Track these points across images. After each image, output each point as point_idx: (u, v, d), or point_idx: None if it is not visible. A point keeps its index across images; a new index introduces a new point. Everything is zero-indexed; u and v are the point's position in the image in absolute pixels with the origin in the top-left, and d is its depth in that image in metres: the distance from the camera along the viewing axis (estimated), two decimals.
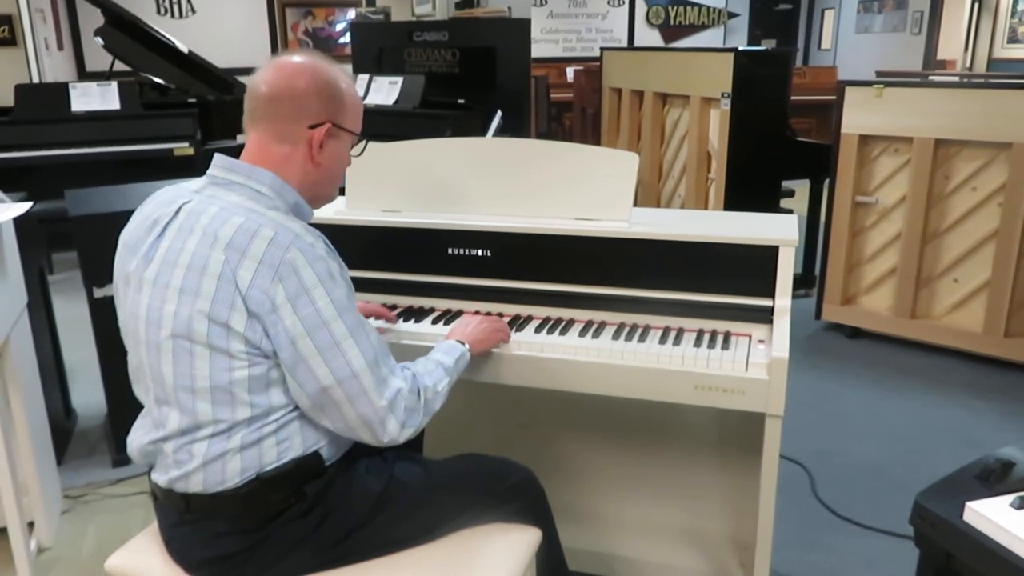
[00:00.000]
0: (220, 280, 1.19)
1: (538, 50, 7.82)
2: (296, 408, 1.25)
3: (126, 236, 1.33)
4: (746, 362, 1.54)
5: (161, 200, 1.32)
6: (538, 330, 1.69)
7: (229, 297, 1.18)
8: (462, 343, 1.51)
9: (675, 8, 10.48)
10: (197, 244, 1.21)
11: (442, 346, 1.48)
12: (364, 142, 1.45)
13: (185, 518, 1.28)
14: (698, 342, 1.62)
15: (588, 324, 1.71)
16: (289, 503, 1.25)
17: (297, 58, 1.33)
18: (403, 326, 1.74)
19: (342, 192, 1.64)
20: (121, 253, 1.33)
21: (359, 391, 1.22)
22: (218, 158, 1.32)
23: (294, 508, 1.26)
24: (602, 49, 5.41)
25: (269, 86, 1.30)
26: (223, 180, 1.30)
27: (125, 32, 5.54)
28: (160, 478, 1.29)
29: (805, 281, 4.10)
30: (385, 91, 4.84)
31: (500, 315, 1.77)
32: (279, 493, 1.24)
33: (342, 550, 1.30)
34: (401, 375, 1.31)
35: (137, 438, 1.34)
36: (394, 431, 1.27)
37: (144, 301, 1.25)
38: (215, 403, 1.21)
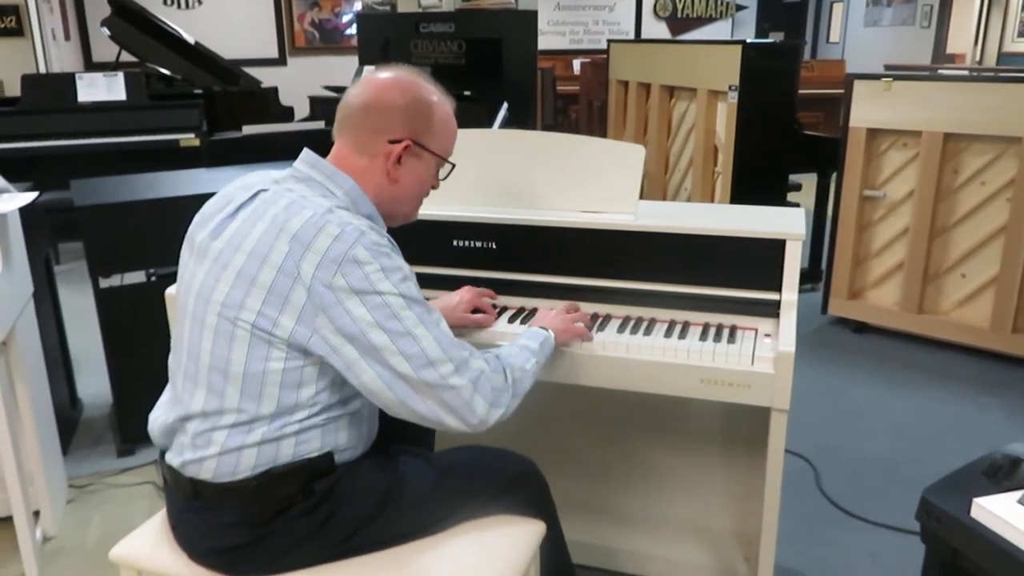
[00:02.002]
0: (279, 272, 1.19)
1: (545, 42, 7.78)
2: (321, 412, 1.25)
3: (203, 209, 1.36)
4: (752, 356, 1.53)
5: (243, 183, 1.34)
6: (512, 320, 1.69)
7: (285, 289, 1.18)
8: (544, 329, 1.51)
9: (683, 0, 10.42)
10: (263, 232, 1.22)
11: (525, 333, 1.50)
12: (452, 167, 1.44)
13: (192, 505, 1.28)
14: (704, 336, 1.61)
15: (594, 317, 1.71)
16: (296, 499, 1.25)
17: (393, 73, 1.35)
18: None
19: None
20: (194, 224, 1.35)
21: (438, 378, 1.21)
22: (306, 153, 1.35)
23: (300, 504, 1.25)
24: (609, 41, 5.39)
25: (361, 97, 1.33)
26: (304, 175, 1.32)
27: (132, 23, 5.54)
28: (174, 459, 1.29)
29: (812, 275, 4.08)
30: None
31: (504, 308, 1.77)
32: (287, 489, 1.24)
33: (348, 546, 1.30)
34: (482, 357, 1.30)
35: (159, 416, 1.35)
36: (482, 412, 1.26)
37: (200, 276, 1.27)
38: (244, 392, 1.21)
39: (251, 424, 1.22)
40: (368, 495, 1.31)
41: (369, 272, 1.18)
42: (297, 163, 1.34)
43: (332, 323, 1.18)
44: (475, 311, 1.69)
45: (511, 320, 1.71)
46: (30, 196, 2.06)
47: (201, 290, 1.26)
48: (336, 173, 1.31)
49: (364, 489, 1.31)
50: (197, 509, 1.28)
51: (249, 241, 1.23)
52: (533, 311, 1.75)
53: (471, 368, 1.25)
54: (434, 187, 1.44)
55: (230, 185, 1.36)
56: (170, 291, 1.79)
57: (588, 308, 1.74)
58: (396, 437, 1.44)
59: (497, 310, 1.74)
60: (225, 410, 1.23)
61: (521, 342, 1.45)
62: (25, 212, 2.14)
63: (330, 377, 1.24)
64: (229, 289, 1.22)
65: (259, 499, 1.24)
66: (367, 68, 4.96)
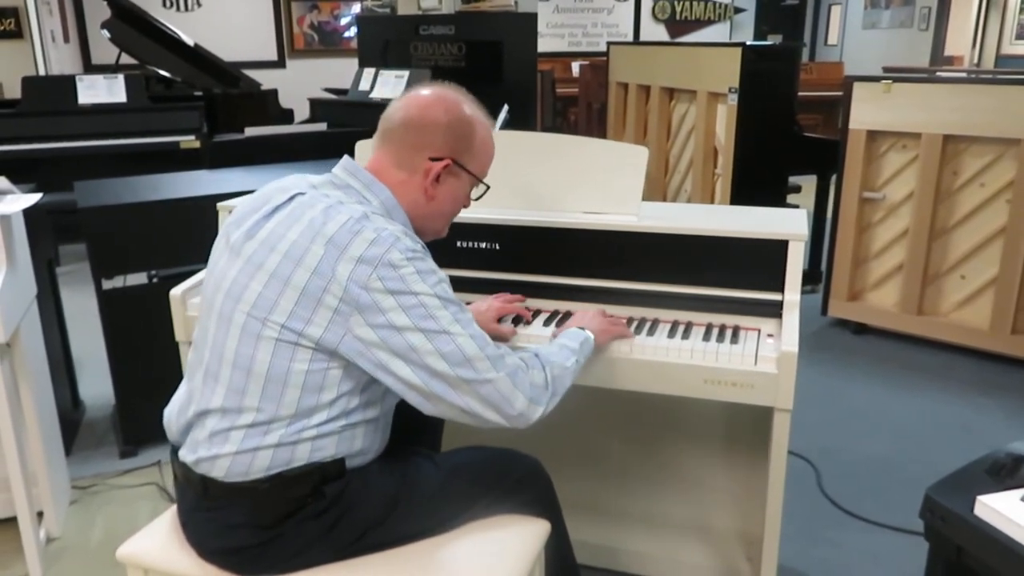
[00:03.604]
0: (313, 274, 1.20)
1: (544, 44, 7.79)
2: (340, 417, 1.25)
3: (239, 208, 1.37)
4: (755, 356, 1.54)
5: (281, 185, 1.35)
6: (547, 323, 1.69)
7: (318, 292, 1.19)
8: (583, 329, 1.52)
9: (681, 3, 10.44)
10: (299, 235, 1.23)
11: (564, 333, 1.51)
12: (486, 188, 1.46)
13: (202, 504, 1.28)
14: (707, 336, 1.62)
15: None
16: (306, 502, 1.25)
17: (438, 90, 1.36)
18: None
19: None
20: (229, 222, 1.36)
21: (474, 374, 1.22)
22: (346, 160, 1.37)
23: (310, 507, 1.25)
24: (609, 43, 5.40)
25: (404, 112, 1.34)
26: (342, 182, 1.33)
27: (131, 25, 5.55)
28: (187, 455, 1.29)
29: (811, 277, 4.09)
30: (391, 85, 4.83)
31: (539, 311, 1.76)
32: (298, 492, 1.24)
33: (357, 547, 1.30)
34: (518, 355, 1.31)
35: (175, 410, 1.35)
36: (522, 406, 1.26)
37: (231, 274, 1.28)
38: (265, 392, 1.22)
39: (269, 425, 1.23)
40: (377, 498, 1.31)
41: (405, 274, 1.20)
42: (336, 169, 1.36)
43: (367, 323, 1.19)
44: (503, 319, 1.68)
45: (515, 321, 1.72)
46: (34, 197, 2.06)
47: (232, 288, 1.27)
48: (374, 182, 1.33)
49: (374, 493, 1.31)
50: (207, 508, 1.28)
51: (284, 243, 1.24)
52: (536, 312, 1.75)
53: (507, 364, 1.26)
54: (465, 206, 1.46)
55: (267, 186, 1.37)
56: (175, 292, 1.79)
57: (590, 309, 1.74)
58: (403, 438, 1.44)
59: (531, 312, 1.74)
60: (244, 408, 1.23)
61: (561, 341, 1.46)
62: (28, 214, 2.14)
63: (353, 382, 1.25)
64: (262, 289, 1.23)
65: (269, 501, 1.24)
66: (367, 71, 4.97)
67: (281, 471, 1.23)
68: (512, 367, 1.27)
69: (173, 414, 1.36)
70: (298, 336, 1.20)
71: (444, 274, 1.27)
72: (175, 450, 1.35)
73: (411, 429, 1.47)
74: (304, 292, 1.20)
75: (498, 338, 1.61)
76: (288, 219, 1.27)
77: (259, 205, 1.32)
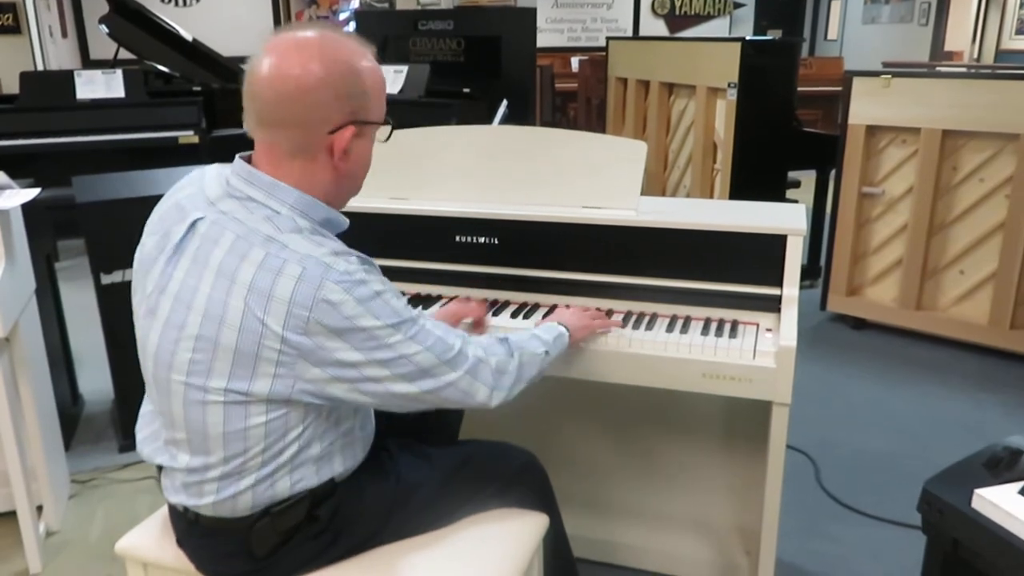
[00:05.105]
0: (241, 332, 1.07)
1: (543, 39, 7.78)
2: (313, 444, 1.18)
3: (144, 241, 1.23)
4: (754, 350, 1.54)
5: (176, 203, 1.20)
6: (545, 317, 1.69)
7: (253, 348, 1.07)
8: (561, 324, 1.51)
9: None
10: (212, 287, 1.09)
11: (541, 326, 1.50)
12: (391, 127, 1.23)
13: (193, 530, 1.25)
14: (706, 330, 1.62)
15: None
16: (300, 528, 1.22)
17: (301, 43, 1.11)
18: None
19: None
20: (138, 264, 1.23)
21: (435, 383, 1.18)
22: (239, 165, 1.17)
23: (305, 532, 1.22)
24: (608, 38, 5.40)
25: (273, 86, 1.09)
26: (241, 194, 1.15)
27: (130, 20, 5.53)
28: (170, 495, 1.25)
29: (810, 272, 4.09)
30: (390, 80, 4.82)
31: (507, 303, 1.78)
32: (291, 521, 1.20)
33: (354, 554, 1.29)
34: (477, 342, 1.27)
35: (147, 444, 1.27)
36: (483, 397, 1.25)
37: (153, 338, 1.16)
38: (227, 447, 1.14)
39: (240, 472, 1.16)
40: (373, 508, 1.29)
41: (345, 311, 1.07)
42: (231, 177, 1.16)
43: (316, 367, 1.09)
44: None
45: (513, 315, 1.72)
46: (33, 192, 2.06)
47: (159, 354, 1.15)
48: (275, 186, 1.13)
49: (369, 503, 1.29)
50: (199, 535, 1.24)
51: (199, 298, 1.10)
52: (535, 306, 1.76)
53: (468, 358, 1.22)
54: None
55: (168, 200, 1.23)
56: None
57: (590, 303, 1.74)
58: (391, 431, 1.41)
59: (496, 306, 1.75)
60: (211, 465, 1.16)
61: (534, 331, 1.46)
62: (27, 209, 2.14)
63: (316, 412, 1.16)
64: (191, 355, 1.11)
65: (261, 534, 1.20)
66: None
67: (267, 507, 1.19)
68: (472, 360, 1.22)
69: (146, 447, 1.27)
70: (245, 396, 1.10)
71: (388, 284, 1.15)
72: (160, 468, 1.28)
73: (426, 428, 1.46)
74: (237, 351, 1.08)
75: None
76: (195, 264, 1.12)
77: (161, 241, 1.18)
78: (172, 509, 1.30)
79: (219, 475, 1.17)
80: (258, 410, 1.12)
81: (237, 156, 1.19)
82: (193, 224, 1.15)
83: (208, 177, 1.21)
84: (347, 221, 1.24)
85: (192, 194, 1.20)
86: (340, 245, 1.15)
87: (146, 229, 1.25)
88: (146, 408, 1.31)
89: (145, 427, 1.29)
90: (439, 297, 1.82)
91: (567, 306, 1.71)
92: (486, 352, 1.28)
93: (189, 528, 1.25)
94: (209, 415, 1.13)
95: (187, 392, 1.13)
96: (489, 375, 1.26)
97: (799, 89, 4.24)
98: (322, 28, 1.16)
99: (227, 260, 1.09)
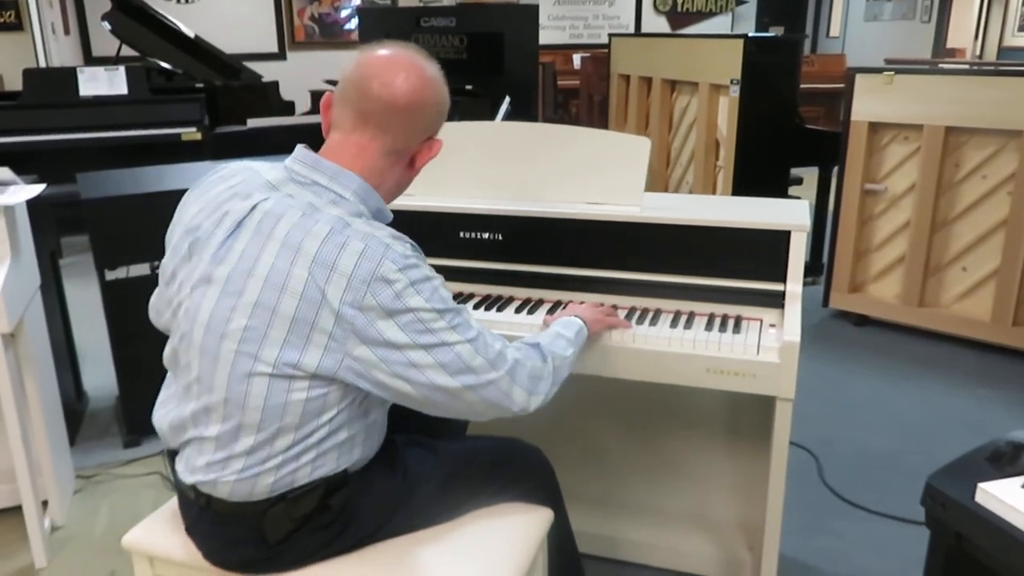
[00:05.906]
0: (301, 300, 1.11)
1: (545, 37, 7.76)
2: (341, 430, 1.20)
3: (191, 217, 1.24)
4: (757, 346, 1.55)
5: (234, 188, 1.23)
6: (550, 313, 1.70)
7: (310, 317, 1.11)
8: (578, 317, 1.52)
9: None
10: (276, 257, 1.13)
11: (559, 322, 1.50)
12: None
13: (204, 516, 1.26)
14: (710, 326, 1.63)
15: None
16: (312, 517, 1.23)
17: (422, 63, 1.26)
18: None
19: None
20: (184, 227, 1.24)
21: (475, 379, 1.20)
22: (301, 152, 1.24)
23: (316, 520, 1.23)
24: (610, 35, 5.39)
25: (394, 93, 1.21)
26: (304, 179, 1.21)
27: (132, 17, 5.55)
28: (185, 476, 1.25)
29: (813, 269, 4.09)
30: None
31: (511, 299, 1.78)
32: (304, 508, 1.21)
33: (361, 546, 1.30)
34: (514, 347, 1.30)
35: (167, 426, 1.28)
36: (521, 400, 1.26)
37: (207, 305, 1.17)
38: (261, 424, 1.16)
39: (269, 451, 1.18)
40: (382, 499, 1.30)
41: (399, 289, 1.12)
42: (294, 164, 1.23)
43: (364, 343, 1.13)
44: None
45: (517, 311, 1.73)
46: (38, 188, 2.06)
47: (212, 322, 1.16)
48: (341, 172, 1.21)
49: (377, 495, 1.30)
50: (211, 520, 1.25)
51: (261, 266, 1.14)
52: (539, 302, 1.76)
53: (507, 360, 1.24)
54: None
55: (215, 186, 1.25)
56: None
57: (594, 299, 1.75)
58: (400, 426, 1.41)
59: (500, 302, 1.75)
60: (241, 439, 1.18)
61: (557, 330, 1.46)
62: (31, 205, 2.15)
63: (352, 395, 1.20)
64: (247, 321, 1.14)
65: (275, 519, 1.21)
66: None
67: (285, 492, 1.20)
68: (511, 362, 1.24)
69: (165, 427, 1.28)
70: (294, 368, 1.13)
71: (439, 277, 1.20)
72: (171, 454, 1.30)
73: (409, 417, 1.46)
74: (295, 319, 1.12)
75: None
76: (258, 235, 1.16)
77: (218, 217, 1.20)
78: (182, 496, 1.30)
79: (248, 448, 1.18)
80: (301, 385, 1.14)
81: (299, 146, 1.25)
82: (255, 205, 1.19)
83: (258, 167, 1.26)
84: (391, 215, 1.31)
85: (246, 180, 1.24)
86: (395, 231, 1.20)
87: (189, 214, 1.25)
88: (166, 393, 1.32)
89: (165, 408, 1.30)
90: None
91: (581, 302, 1.71)
92: (524, 356, 1.29)
93: (200, 514, 1.26)
94: (253, 386, 1.15)
95: (236, 361, 1.15)
96: (526, 379, 1.27)
97: (801, 86, 4.23)
98: (425, 56, 1.29)
99: (293, 233, 1.14)
